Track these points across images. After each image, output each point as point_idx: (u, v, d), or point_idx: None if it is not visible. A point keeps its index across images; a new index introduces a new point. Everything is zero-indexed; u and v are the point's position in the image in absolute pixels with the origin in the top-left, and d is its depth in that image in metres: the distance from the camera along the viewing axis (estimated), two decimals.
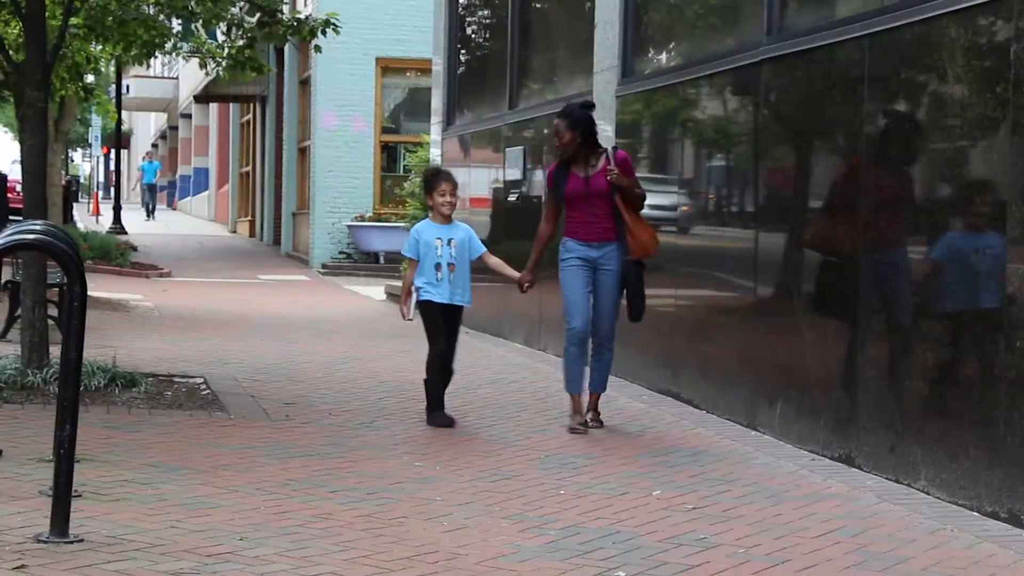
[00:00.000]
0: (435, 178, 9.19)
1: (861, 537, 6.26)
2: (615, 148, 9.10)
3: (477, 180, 15.96)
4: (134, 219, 40.82)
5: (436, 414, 8.98)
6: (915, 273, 7.49)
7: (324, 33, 13.03)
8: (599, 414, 8.99)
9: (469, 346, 13.70)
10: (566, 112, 9.02)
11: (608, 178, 8.77)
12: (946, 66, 7.11)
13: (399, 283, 20.12)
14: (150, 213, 47.77)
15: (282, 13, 12.69)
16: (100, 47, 14.18)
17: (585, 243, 8.87)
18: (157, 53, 13.51)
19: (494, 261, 9.33)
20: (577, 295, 8.82)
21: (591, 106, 9.22)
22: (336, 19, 13.18)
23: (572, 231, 8.94)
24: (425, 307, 9.04)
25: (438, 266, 9.00)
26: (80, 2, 11.73)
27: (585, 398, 8.92)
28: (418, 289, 9.01)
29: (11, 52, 10.85)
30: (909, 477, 7.29)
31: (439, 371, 9.03)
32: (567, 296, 8.86)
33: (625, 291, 8.87)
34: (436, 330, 9.04)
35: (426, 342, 9.13)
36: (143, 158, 51.44)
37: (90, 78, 17.18)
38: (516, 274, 9.25)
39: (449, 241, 9.03)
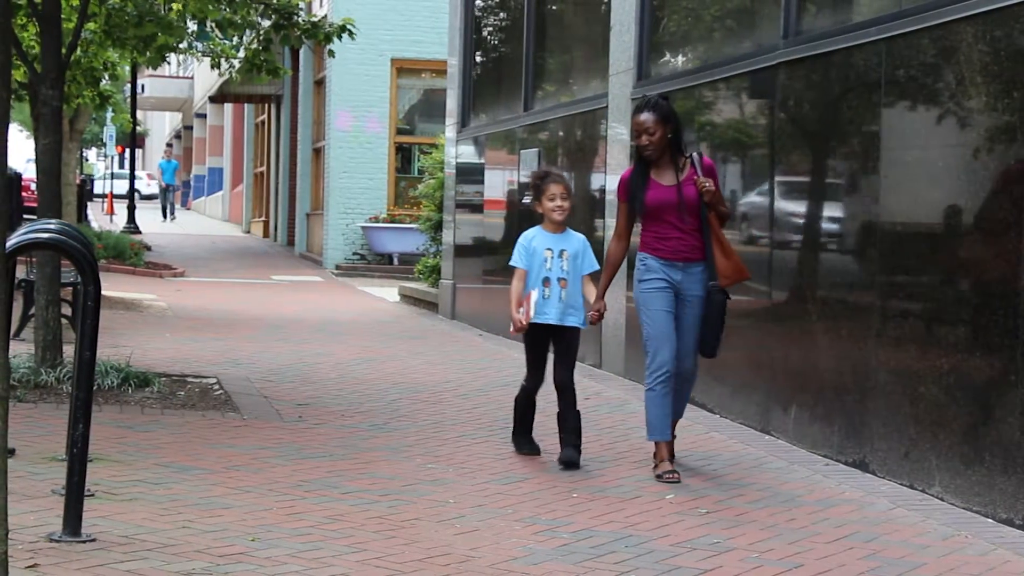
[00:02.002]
0: (544, 181, 8.01)
1: (875, 543, 6.24)
2: (700, 154, 7.83)
3: (492, 182, 15.96)
4: (149, 219, 40.88)
5: (520, 438, 8.15)
6: (930, 278, 7.46)
7: (340, 37, 13.05)
8: (675, 438, 7.84)
9: (482, 348, 13.70)
10: (651, 104, 7.71)
11: (700, 188, 7.53)
12: (964, 70, 7.09)
13: (413, 284, 20.18)
14: (167, 214, 46.56)
15: (298, 16, 12.70)
16: (116, 52, 14.21)
17: (668, 263, 7.59)
18: (176, 54, 13.55)
19: (590, 287, 7.94)
20: (663, 323, 7.55)
21: (668, 99, 7.95)
22: (352, 24, 13.20)
23: (652, 248, 7.64)
24: (529, 332, 7.93)
25: (547, 281, 7.86)
26: (97, 6, 11.76)
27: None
28: (532, 299, 7.89)
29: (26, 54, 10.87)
30: (923, 483, 7.27)
31: (528, 401, 8.14)
32: (650, 325, 7.57)
33: (702, 321, 7.65)
34: (535, 358, 7.99)
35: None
36: (162, 156, 50.93)
37: (105, 83, 17.19)
38: (591, 300, 7.85)
39: (561, 252, 7.89)
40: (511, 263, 7.98)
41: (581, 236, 8.04)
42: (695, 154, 7.75)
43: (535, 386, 8.05)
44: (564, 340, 7.90)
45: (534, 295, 7.81)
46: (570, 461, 7.72)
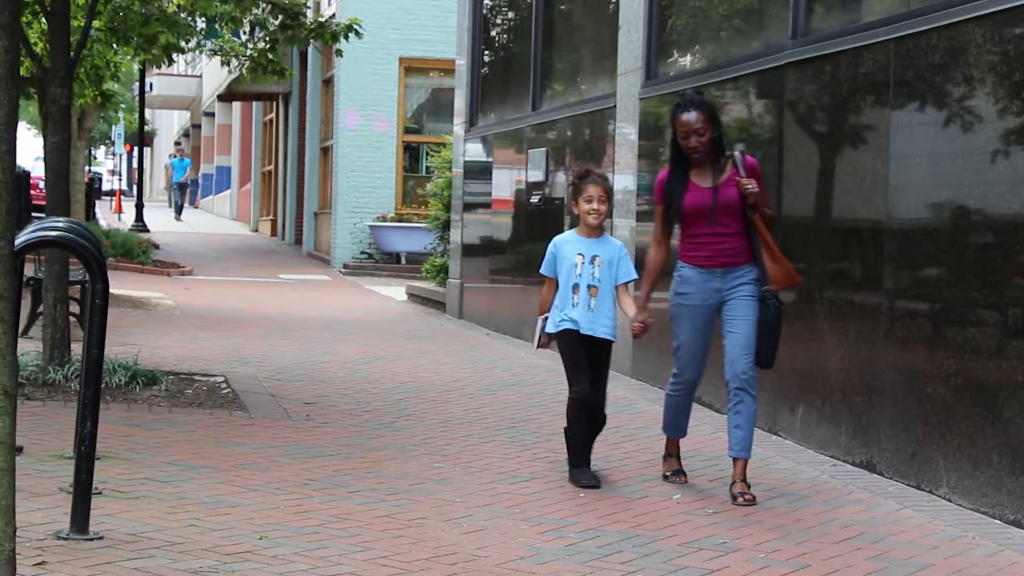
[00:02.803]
0: (583, 181, 7.42)
1: (882, 543, 6.23)
2: (742, 152, 7.32)
3: (500, 181, 15.96)
4: (161, 219, 40.88)
5: (578, 471, 7.32)
6: (938, 279, 7.46)
7: (347, 37, 13.06)
8: (749, 487, 7.04)
9: (490, 348, 13.70)
10: (696, 103, 7.14)
11: (743, 191, 7.04)
12: (972, 71, 7.08)
13: (421, 283, 20.18)
14: (179, 213, 45.43)
15: (305, 16, 12.70)
16: (120, 51, 14.23)
17: (706, 271, 7.11)
18: (179, 53, 13.56)
19: (627, 299, 7.41)
20: (693, 341, 7.19)
21: (702, 95, 7.53)
22: (359, 24, 13.22)
23: (689, 255, 7.16)
24: (563, 338, 7.37)
25: (575, 287, 7.33)
26: (103, 4, 11.77)
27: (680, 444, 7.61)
28: (545, 319, 7.46)
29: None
30: (931, 483, 7.26)
31: (584, 418, 7.37)
32: (680, 342, 7.23)
33: (756, 328, 7.11)
34: (577, 364, 7.32)
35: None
36: (175, 154, 50.59)
37: (109, 84, 17.22)
38: (632, 312, 7.32)
39: (593, 258, 7.36)
40: (540, 271, 7.51)
41: (618, 242, 7.52)
42: (737, 152, 7.24)
43: (584, 394, 7.30)
44: (594, 353, 7.36)
45: (539, 325, 7.45)
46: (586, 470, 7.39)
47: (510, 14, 17.17)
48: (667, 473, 7.48)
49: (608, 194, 7.43)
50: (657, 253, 7.36)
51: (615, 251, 7.43)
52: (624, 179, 11.72)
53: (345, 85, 26.76)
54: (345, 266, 26.24)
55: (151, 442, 7.83)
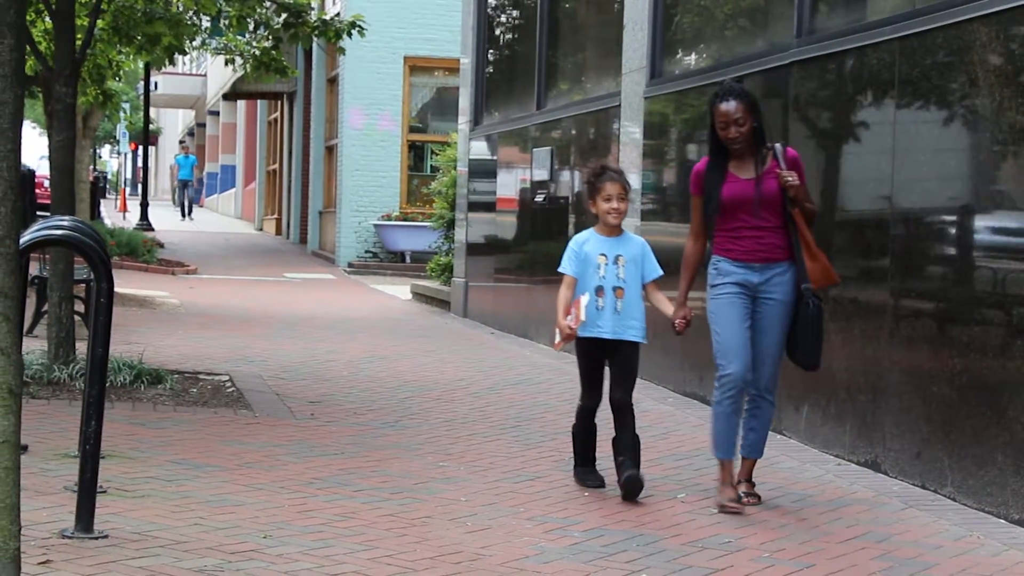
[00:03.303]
0: (599, 179, 7.14)
1: (886, 543, 6.23)
2: (783, 144, 7.05)
3: (504, 180, 15.96)
4: (166, 218, 40.91)
5: (582, 470, 7.28)
6: (943, 278, 7.45)
7: (350, 35, 13.06)
8: (754, 486, 7.03)
9: (495, 347, 13.71)
10: (736, 92, 6.87)
11: (782, 182, 6.77)
12: (978, 70, 7.07)
13: (425, 282, 20.18)
14: (186, 213, 44.62)
15: (308, 14, 12.70)
16: (123, 51, 14.24)
17: (744, 265, 6.83)
18: (182, 54, 13.56)
19: (659, 296, 7.08)
20: (734, 332, 6.80)
21: (742, 85, 7.23)
22: (362, 21, 13.21)
23: (726, 248, 6.90)
24: (580, 346, 7.13)
25: (600, 290, 7.03)
26: (107, 3, 11.77)
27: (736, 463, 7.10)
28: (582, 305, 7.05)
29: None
30: (935, 483, 7.26)
31: (588, 423, 7.26)
32: (720, 333, 6.85)
33: (796, 328, 6.85)
34: (590, 376, 7.16)
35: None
36: (180, 151, 50.32)
37: (110, 83, 17.22)
38: (670, 310, 6.99)
39: (617, 258, 7.06)
40: (560, 269, 7.19)
41: (640, 239, 7.23)
42: (777, 145, 6.97)
43: (592, 405, 7.17)
44: (620, 356, 7.05)
45: (584, 299, 6.97)
46: (632, 482, 6.86)
47: (515, 13, 17.17)
48: (723, 502, 6.78)
49: (627, 191, 7.13)
50: (695, 246, 7.08)
51: (638, 248, 7.11)
52: (629, 178, 11.69)
53: (350, 84, 26.77)
54: (350, 265, 26.25)
55: (156, 441, 7.83)
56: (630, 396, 7.06)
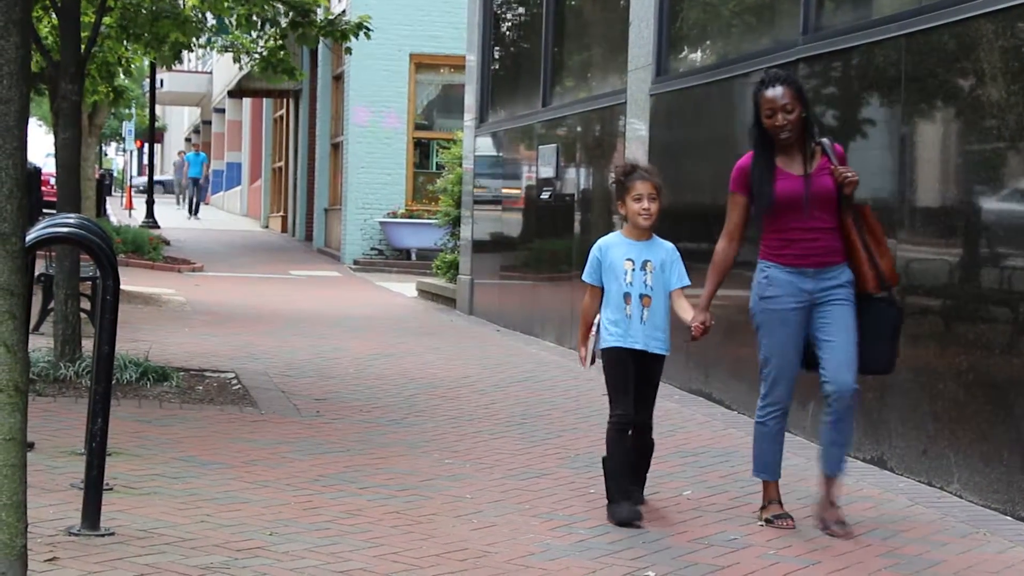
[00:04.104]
0: (629, 177, 6.57)
1: (892, 540, 6.22)
2: (831, 140, 6.51)
3: (509, 177, 15.96)
4: (171, 216, 40.92)
5: (617, 507, 6.42)
6: (950, 276, 7.44)
7: (356, 36, 13.07)
8: (839, 509, 6.41)
9: (500, 344, 13.71)
10: (782, 78, 6.38)
11: (839, 179, 6.25)
12: (984, 67, 7.07)
13: (431, 280, 20.18)
14: (193, 211, 44.15)
15: (315, 13, 12.71)
16: (131, 48, 14.26)
17: (797, 271, 6.29)
18: (189, 51, 13.58)
19: (683, 302, 6.58)
20: (786, 354, 6.37)
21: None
22: (369, 21, 13.22)
23: (776, 253, 6.35)
24: (609, 355, 6.56)
25: (627, 297, 6.50)
26: (114, 0, 11.78)
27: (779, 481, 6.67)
28: (598, 328, 6.61)
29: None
30: (942, 480, 7.25)
31: (623, 444, 6.56)
32: (769, 352, 6.42)
33: (870, 334, 6.33)
34: (621, 386, 6.54)
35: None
36: (192, 149, 50.04)
37: (120, 80, 17.24)
38: (689, 315, 6.53)
39: (644, 264, 6.53)
40: (583, 278, 6.68)
41: (669, 244, 6.67)
42: (825, 140, 6.43)
43: (626, 418, 6.53)
44: (645, 371, 6.58)
45: (595, 327, 6.56)
46: (636, 503, 6.56)
47: (520, 10, 17.17)
48: (770, 517, 6.47)
49: (659, 191, 6.55)
50: (728, 248, 6.53)
51: (667, 254, 6.60)
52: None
53: (355, 81, 26.77)
54: (355, 262, 26.25)
55: (162, 438, 7.84)
56: (651, 416, 6.66)
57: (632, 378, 6.54)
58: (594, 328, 6.59)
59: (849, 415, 6.34)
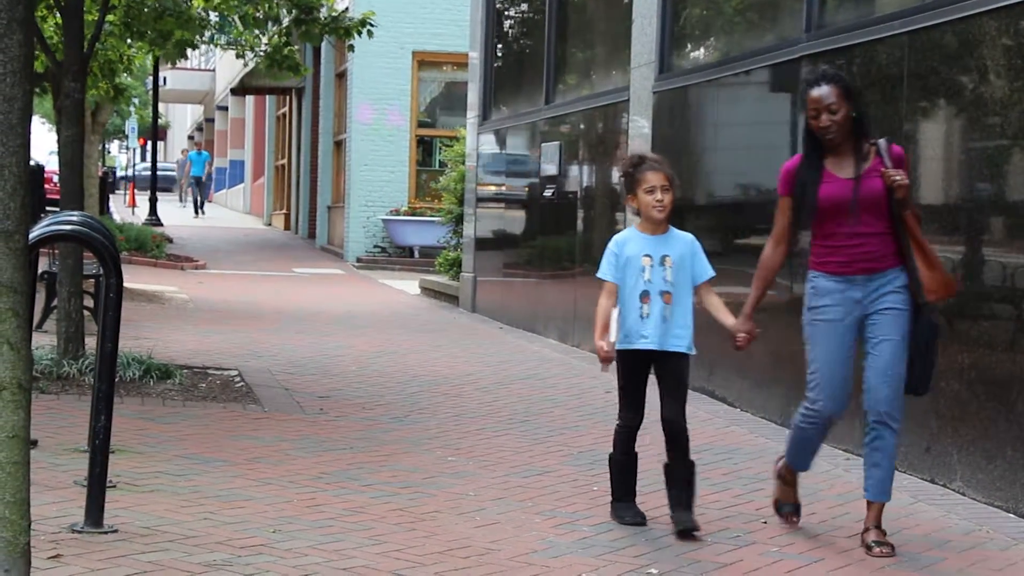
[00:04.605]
0: (638, 169, 6.31)
1: (895, 537, 6.22)
2: (888, 140, 6.11)
3: (512, 175, 15.96)
4: (177, 215, 40.92)
5: (620, 506, 6.38)
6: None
7: (360, 33, 13.08)
8: (885, 534, 6.04)
9: (504, 342, 13.71)
10: (830, 76, 6.05)
11: (890, 182, 5.89)
12: (987, 64, 7.07)
13: (434, 277, 20.19)
14: (198, 209, 43.90)
15: (318, 11, 12.72)
16: (134, 45, 14.28)
17: (846, 279, 5.98)
18: (193, 48, 13.59)
19: (714, 300, 6.32)
20: (831, 368, 6.03)
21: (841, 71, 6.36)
22: (372, 19, 13.24)
23: (824, 261, 6.04)
24: (624, 358, 6.28)
25: (645, 295, 6.21)
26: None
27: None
28: (617, 321, 6.31)
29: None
30: (944, 478, 7.25)
31: (629, 444, 6.40)
32: (816, 365, 6.08)
33: (909, 348, 5.99)
34: (632, 392, 6.32)
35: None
36: (195, 147, 49.94)
37: (121, 78, 17.25)
38: (731, 321, 6.24)
39: (663, 259, 6.24)
40: (598, 275, 6.36)
41: (689, 236, 6.36)
42: (882, 140, 6.06)
43: (633, 425, 6.34)
44: (668, 370, 6.25)
45: (615, 313, 6.25)
46: (686, 528, 6.12)
47: (523, 7, 17.17)
48: (780, 508, 6.42)
49: (671, 181, 6.28)
50: (774, 253, 6.23)
51: (686, 247, 6.30)
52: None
53: (358, 79, 26.78)
54: (358, 260, 26.26)
55: (165, 436, 7.84)
56: (684, 416, 6.27)
57: (644, 383, 6.29)
58: (613, 321, 6.26)
59: (888, 433, 6.00)
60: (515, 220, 15.75)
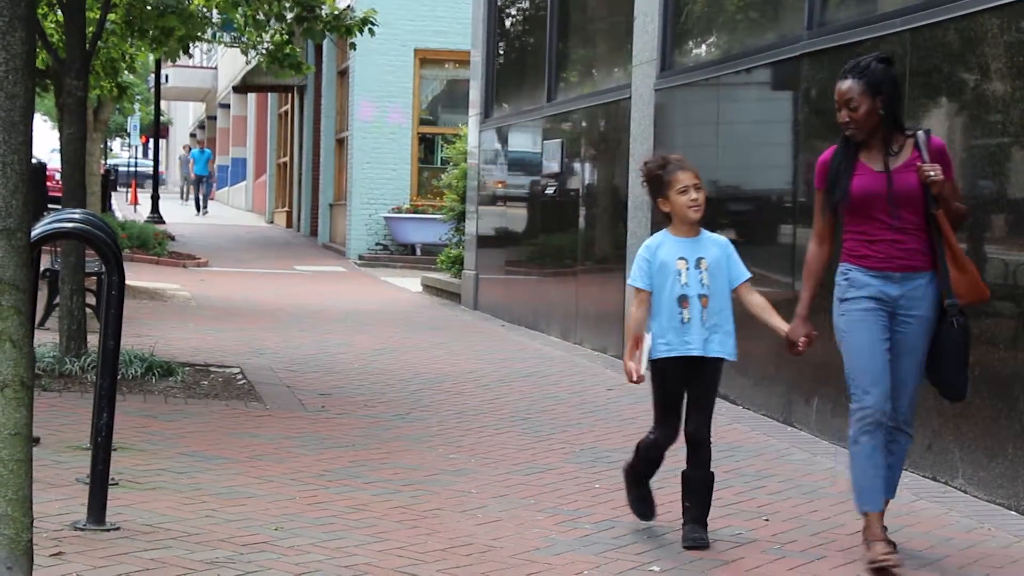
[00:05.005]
0: (667, 170, 6.05)
1: (897, 535, 6.22)
2: (927, 132, 5.88)
3: (514, 173, 15.96)
4: (176, 212, 40.93)
5: (637, 494, 6.28)
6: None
7: (361, 31, 13.09)
8: (886, 530, 5.85)
9: (505, 339, 13.71)
10: (859, 68, 5.82)
11: (924, 178, 5.68)
12: (989, 62, 7.06)
13: (436, 275, 20.19)
14: (200, 207, 43.76)
15: (320, 9, 12.72)
16: (136, 44, 14.28)
17: (881, 275, 5.78)
18: (195, 44, 13.59)
19: (757, 299, 6.07)
20: (871, 356, 5.76)
21: (890, 61, 5.95)
22: (374, 17, 13.25)
23: (858, 255, 5.84)
24: (659, 368, 5.99)
25: (683, 300, 5.93)
26: None
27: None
28: (649, 340, 5.97)
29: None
30: (946, 475, 7.25)
31: (652, 463, 6.21)
32: (853, 356, 5.82)
33: (938, 351, 5.82)
34: (669, 404, 6.03)
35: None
36: (197, 145, 49.89)
37: (124, 76, 17.26)
38: (784, 326, 6.02)
39: (699, 262, 5.99)
40: (630, 282, 6.07)
41: (723, 238, 6.15)
42: (921, 133, 5.83)
43: (667, 441, 6.08)
44: (702, 377, 5.99)
45: (648, 341, 5.93)
46: (696, 543, 5.92)
47: (525, 5, 17.16)
48: (874, 560, 5.64)
49: (698, 177, 6.06)
50: (819, 251, 6.00)
51: (721, 249, 6.07)
52: (638, 173, 11.68)
53: (360, 77, 26.78)
54: (360, 257, 26.26)
55: (167, 433, 7.85)
56: (709, 427, 6.06)
57: (680, 398, 6.01)
58: (646, 341, 5.94)
59: (903, 438, 5.91)
60: (517, 217, 15.75)
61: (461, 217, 18.98)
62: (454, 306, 17.60)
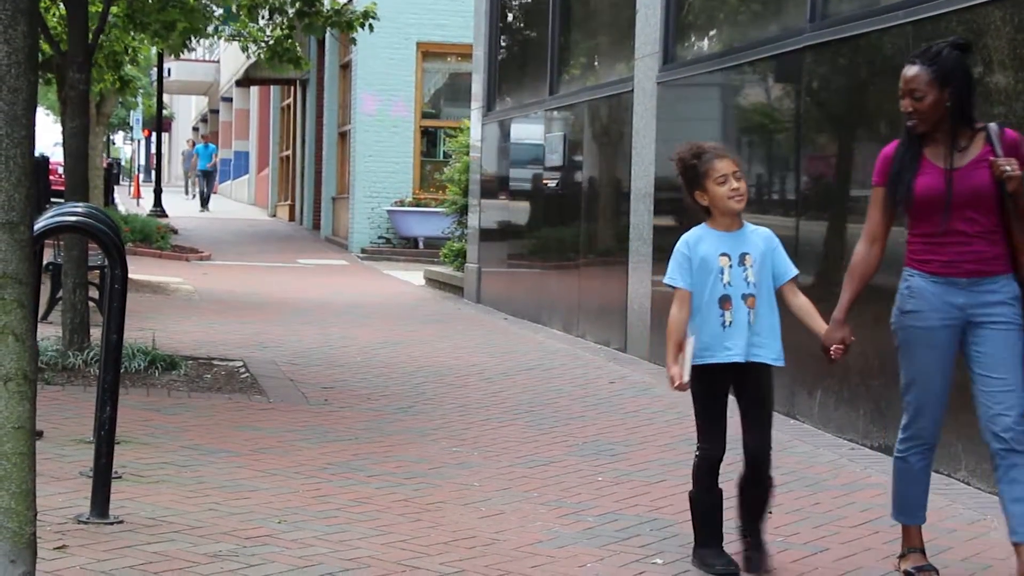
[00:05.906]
0: (703, 160, 5.48)
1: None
2: (1000, 125, 5.39)
3: (517, 166, 15.95)
4: (179, 205, 40.93)
5: (707, 552, 5.52)
6: None
7: (363, 26, 13.10)
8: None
9: (508, 332, 13.71)
10: (928, 56, 5.32)
11: (999, 174, 5.18)
12: (991, 54, 7.06)
13: (438, 268, 20.19)
14: (204, 203, 43.07)
15: (321, 3, 12.73)
16: (138, 37, 14.30)
17: (946, 281, 5.30)
18: (197, 37, 13.61)
19: (802, 301, 5.57)
20: (930, 382, 5.42)
21: (967, 47, 5.42)
22: (375, 11, 13.26)
23: (921, 259, 5.36)
24: (699, 376, 5.43)
25: (726, 300, 5.41)
26: None
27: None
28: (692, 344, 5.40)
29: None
30: (949, 467, 7.25)
31: (712, 485, 5.59)
32: (913, 376, 5.44)
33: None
34: (712, 414, 5.54)
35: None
36: (201, 140, 49.85)
37: (126, 69, 17.28)
38: (824, 328, 5.53)
39: (742, 258, 5.45)
40: (666, 281, 5.52)
41: (767, 231, 5.59)
42: (993, 125, 5.36)
43: (716, 454, 5.56)
44: (752, 382, 5.50)
45: (690, 344, 5.38)
46: (756, 569, 5.52)
47: None
48: (909, 569, 5.48)
49: (739, 166, 5.52)
50: (868, 253, 5.51)
51: (766, 243, 5.52)
52: (641, 165, 11.70)
53: (362, 70, 26.77)
54: (363, 251, 26.27)
55: (170, 426, 7.85)
56: (769, 441, 5.57)
57: (726, 403, 5.53)
58: (688, 344, 5.39)
59: (1021, 460, 5.23)
60: (519, 211, 15.74)
61: (463, 210, 18.97)
62: (457, 299, 17.61)
